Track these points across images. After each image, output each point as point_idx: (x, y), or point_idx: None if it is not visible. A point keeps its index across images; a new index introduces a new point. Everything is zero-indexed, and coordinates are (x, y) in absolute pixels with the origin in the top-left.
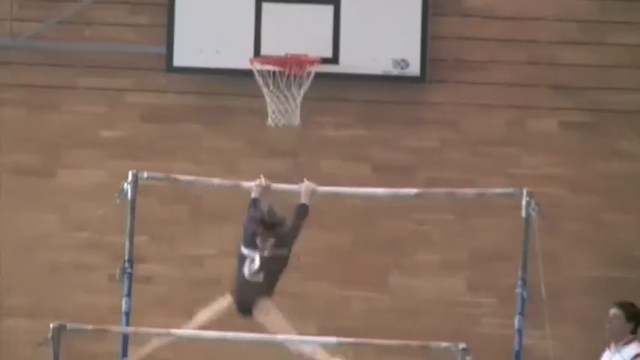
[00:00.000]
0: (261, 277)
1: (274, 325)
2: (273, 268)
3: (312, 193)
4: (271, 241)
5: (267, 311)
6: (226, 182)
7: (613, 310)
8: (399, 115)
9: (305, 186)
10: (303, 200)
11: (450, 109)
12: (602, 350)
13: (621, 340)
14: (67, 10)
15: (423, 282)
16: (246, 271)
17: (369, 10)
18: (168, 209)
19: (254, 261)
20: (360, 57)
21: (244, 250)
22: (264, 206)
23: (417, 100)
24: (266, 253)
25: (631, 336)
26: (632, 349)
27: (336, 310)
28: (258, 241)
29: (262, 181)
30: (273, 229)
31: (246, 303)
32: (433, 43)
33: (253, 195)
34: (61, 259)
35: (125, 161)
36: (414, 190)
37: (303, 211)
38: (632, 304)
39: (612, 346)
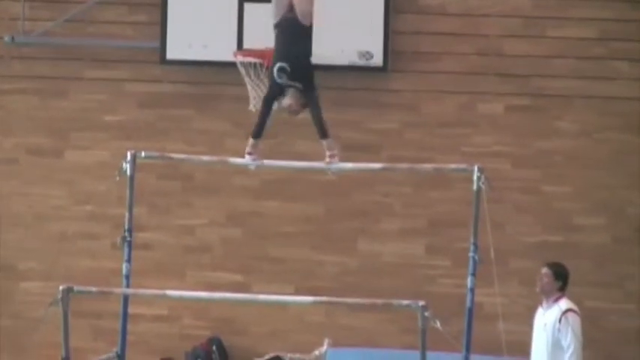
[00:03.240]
0: None
1: None
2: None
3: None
4: None
5: None
6: (214, 158)
7: (543, 270)
8: (364, 100)
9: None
10: None
11: (409, 95)
12: None
13: (552, 297)
14: (73, 9)
15: (386, 247)
16: None
17: (338, 8)
18: (163, 184)
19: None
20: (330, 49)
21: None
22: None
23: (380, 87)
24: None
25: (559, 293)
26: (563, 304)
27: (311, 273)
28: None
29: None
30: None
31: None
32: (394, 37)
33: None
34: (68, 229)
35: (125, 142)
36: (379, 165)
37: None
38: (560, 264)
39: (544, 303)
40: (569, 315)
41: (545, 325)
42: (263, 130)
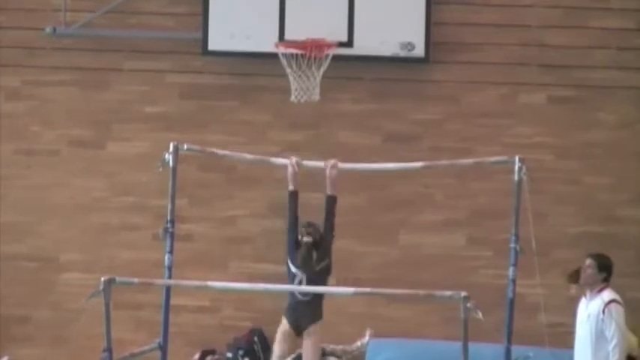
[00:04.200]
0: (310, 296)
1: (308, 351)
2: (320, 282)
3: (336, 178)
4: (314, 256)
5: (312, 336)
6: (257, 157)
7: (587, 261)
8: (405, 91)
9: (329, 169)
10: (330, 191)
11: (451, 86)
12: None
13: (595, 289)
14: (114, 1)
15: (428, 238)
16: (296, 293)
17: None
18: (205, 176)
19: (302, 281)
20: (372, 41)
21: (292, 268)
22: (302, 218)
23: (422, 78)
24: (312, 273)
25: (603, 284)
26: (606, 295)
27: (352, 264)
28: (301, 261)
29: (293, 162)
30: (315, 246)
31: (299, 325)
32: (436, 28)
33: (290, 187)
34: (110, 220)
35: (166, 134)
36: (419, 164)
37: (333, 203)
38: (603, 256)
39: (587, 294)
40: (613, 306)
41: (589, 316)
42: None
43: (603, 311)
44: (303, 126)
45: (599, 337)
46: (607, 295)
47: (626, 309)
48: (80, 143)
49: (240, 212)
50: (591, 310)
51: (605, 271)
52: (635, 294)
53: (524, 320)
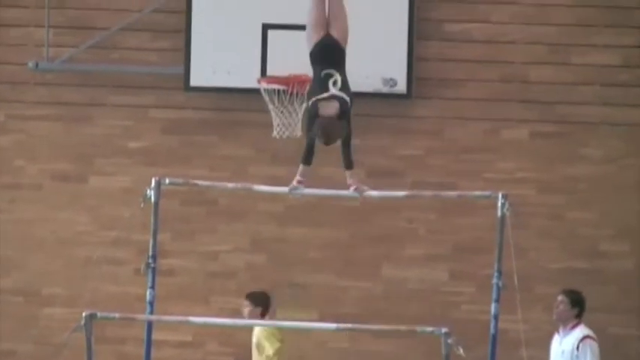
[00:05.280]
0: None
1: None
2: None
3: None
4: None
5: None
6: (239, 185)
7: (559, 297)
8: (388, 127)
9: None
10: None
11: (434, 121)
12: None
13: (568, 325)
14: (97, 36)
15: (411, 273)
16: None
17: (361, 35)
18: (188, 210)
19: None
20: (354, 76)
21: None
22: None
23: (405, 114)
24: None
25: (576, 320)
26: (580, 331)
27: (335, 299)
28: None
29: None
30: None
31: None
32: (418, 64)
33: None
34: (93, 254)
35: (149, 168)
36: (402, 193)
37: None
38: (576, 292)
39: (561, 330)
40: (588, 341)
41: (564, 352)
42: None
43: (578, 347)
44: (285, 161)
45: None
46: (581, 330)
47: (608, 345)
48: (63, 177)
49: (223, 247)
50: (565, 346)
51: (578, 306)
52: (618, 330)
53: (505, 355)
